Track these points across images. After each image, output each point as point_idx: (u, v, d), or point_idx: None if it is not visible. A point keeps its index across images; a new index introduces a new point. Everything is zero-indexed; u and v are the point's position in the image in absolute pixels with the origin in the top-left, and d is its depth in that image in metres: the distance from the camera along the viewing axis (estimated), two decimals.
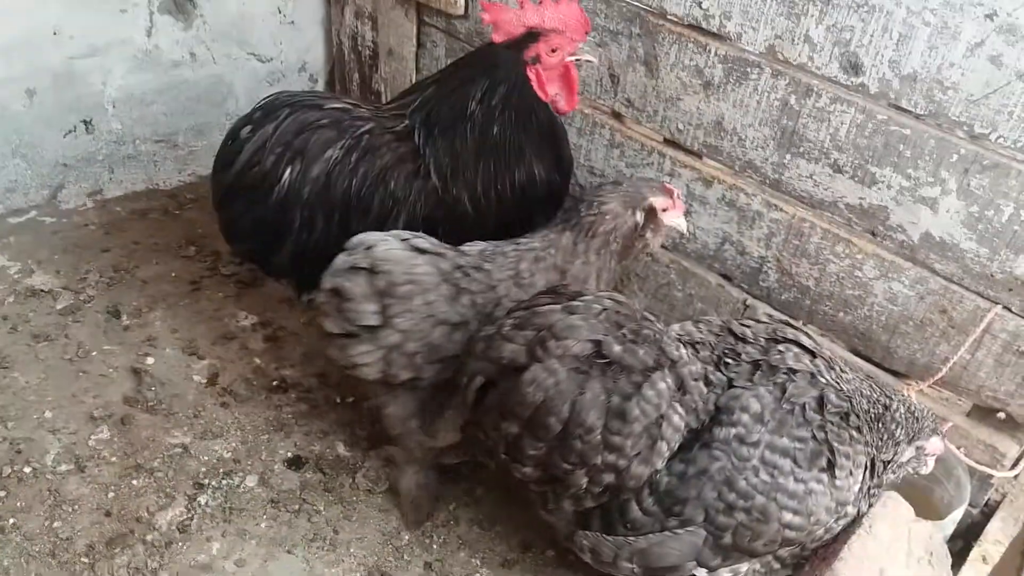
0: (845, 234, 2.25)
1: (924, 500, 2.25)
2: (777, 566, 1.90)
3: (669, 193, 2.15)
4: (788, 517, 1.74)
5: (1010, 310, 2.04)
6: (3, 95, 2.84)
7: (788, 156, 2.27)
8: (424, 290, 1.96)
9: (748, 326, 1.91)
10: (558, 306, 1.77)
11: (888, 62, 2.02)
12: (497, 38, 2.25)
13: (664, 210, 2.14)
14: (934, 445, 1.92)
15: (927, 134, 2.01)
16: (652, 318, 1.86)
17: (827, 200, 2.25)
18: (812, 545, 1.88)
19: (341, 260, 1.93)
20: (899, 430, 1.85)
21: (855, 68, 2.08)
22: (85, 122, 3.09)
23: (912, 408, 1.88)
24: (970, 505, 2.23)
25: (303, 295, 2.42)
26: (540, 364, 1.71)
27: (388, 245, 1.95)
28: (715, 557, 1.78)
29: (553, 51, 2.22)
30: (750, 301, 2.52)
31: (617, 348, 1.72)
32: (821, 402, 1.77)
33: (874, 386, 1.90)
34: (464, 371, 1.86)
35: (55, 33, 2.88)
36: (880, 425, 1.84)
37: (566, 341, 1.71)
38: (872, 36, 2.02)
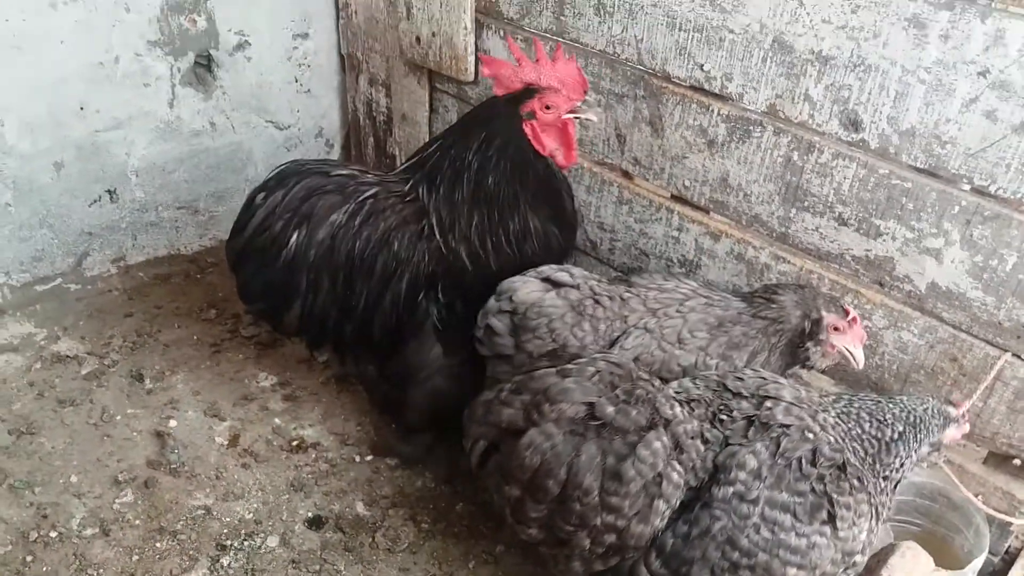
0: (853, 285, 2.29)
1: (945, 549, 2.24)
2: None
3: (845, 314, 2.11)
4: (792, 572, 1.73)
5: (1020, 357, 2.06)
6: (32, 169, 2.95)
7: (794, 210, 2.33)
8: (551, 319, 2.18)
9: (742, 379, 1.92)
10: (553, 369, 1.83)
11: (887, 118, 2.08)
12: (498, 91, 2.32)
13: (836, 329, 2.11)
14: (952, 435, 1.90)
15: (928, 187, 2.06)
16: (648, 377, 1.89)
17: (834, 252, 2.30)
18: None
19: (492, 304, 2.25)
20: (903, 447, 1.84)
21: (855, 125, 2.14)
22: (109, 192, 3.19)
23: (912, 417, 1.86)
24: (991, 553, 2.21)
25: (315, 353, 2.49)
26: (536, 428, 1.76)
27: (527, 288, 2.23)
28: None
29: (548, 108, 2.27)
30: None
31: (610, 409, 1.76)
32: (814, 456, 1.77)
33: (865, 415, 1.87)
34: (468, 435, 1.92)
35: (81, 108, 3.00)
36: (880, 461, 1.83)
37: (560, 404, 1.76)
38: (870, 94, 2.08)
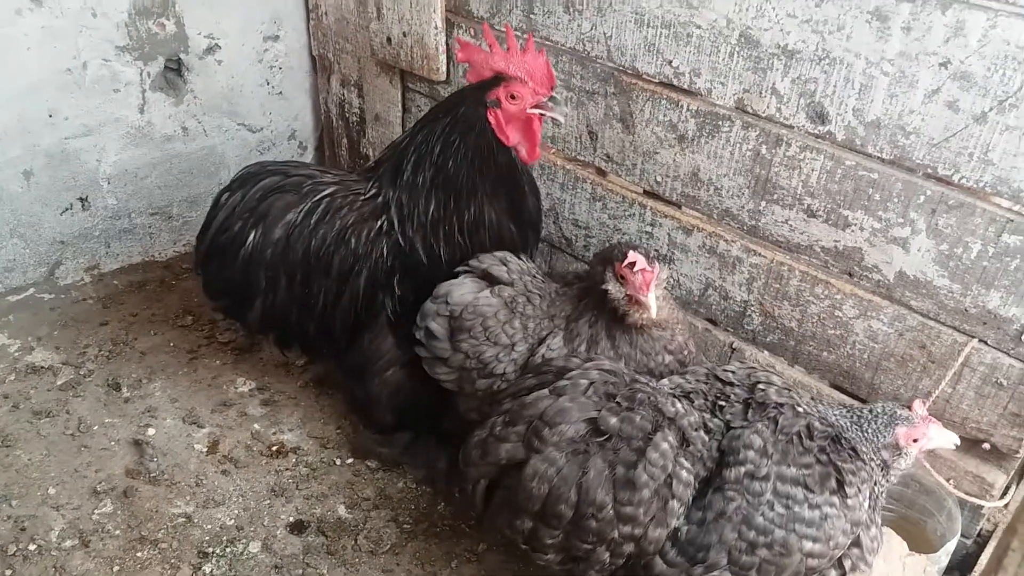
0: (823, 276, 2.32)
1: (918, 533, 2.28)
2: None
3: (624, 257, 2.06)
4: (809, 545, 1.76)
5: (986, 343, 2.10)
6: (1, 178, 2.92)
7: (763, 203, 2.35)
8: (484, 317, 2.20)
9: (731, 371, 1.96)
10: (545, 391, 1.80)
11: (852, 110, 2.10)
12: (470, 77, 2.33)
13: (621, 277, 2.08)
14: (905, 433, 1.85)
15: (894, 177, 2.09)
16: (642, 379, 1.90)
17: (803, 244, 2.32)
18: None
19: (429, 307, 2.26)
20: (860, 449, 1.86)
21: (821, 117, 2.16)
22: (81, 199, 3.16)
23: (856, 417, 1.89)
24: (963, 536, 2.26)
25: (285, 352, 2.57)
26: (538, 455, 1.74)
27: (462, 290, 2.24)
28: None
29: (513, 98, 2.25)
30: (736, 344, 2.58)
31: (614, 421, 1.76)
32: (810, 431, 1.81)
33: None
34: (467, 479, 1.89)
35: (50, 116, 2.97)
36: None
37: (560, 426, 1.74)
38: (835, 87, 2.11)
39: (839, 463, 1.80)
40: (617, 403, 1.79)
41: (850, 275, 2.27)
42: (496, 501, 1.86)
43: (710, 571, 1.77)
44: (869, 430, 1.86)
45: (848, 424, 1.87)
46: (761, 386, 1.90)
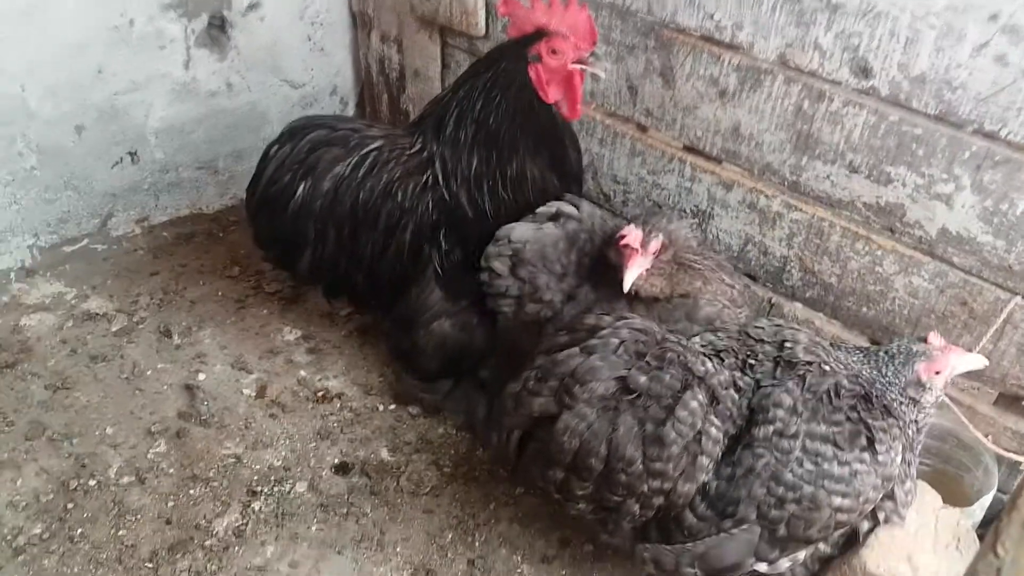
0: (864, 232, 2.31)
1: (955, 487, 2.30)
2: (828, 549, 1.94)
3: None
4: (838, 501, 1.79)
5: None
6: (55, 132, 3.00)
7: (805, 158, 2.35)
8: (544, 245, 2.28)
9: (761, 327, 1.98)
10: (576, 349, 1.83)
11: (897, 65, 2.09)
12: (511, 32, 2.33)
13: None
14: (927, 368, 1.86)
15: (939, 132, 2.08)
16: (673, 337, 1.92)
17: (845, 199, 2.32)
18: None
19: (490, 249, 2.34)
20: (884, 390, 1.87)
21: (865, 72, 2.15)
22: (131, 153, 3.24)
23: (874, 361, 1.90)
24: (1000, 491, 2.27)
25: (332, 302, 2.65)
26: (569, 411, 1.79)
27: (522, 229, 2.32)
28: (772, 550, 1.84)
29: (554, 53, 2.25)
30: (775, 299, 2.59)
31: (643, 379, 1.79)
32: (837, 389, 1.83)
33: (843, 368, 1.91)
34: (501, 428, 1.94)
35: (99, 72, 3.03)
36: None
37: (590, 384, 1.78)
38: (880, 40, 2.09)
39: (870, 421, 1.81)
40: (647, 362, 1.81)
41: (891, 231, 2.27)
42: (529, 452, 1.92)
43: (739, 525, 1.81)
44: (889, 372, 1.87)
45: (869, 371, 1.88)
46: (788, 344, 1.91)
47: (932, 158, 2.11)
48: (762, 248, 2.55)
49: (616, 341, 1.83)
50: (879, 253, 2.30)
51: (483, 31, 3.00)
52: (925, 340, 1.93)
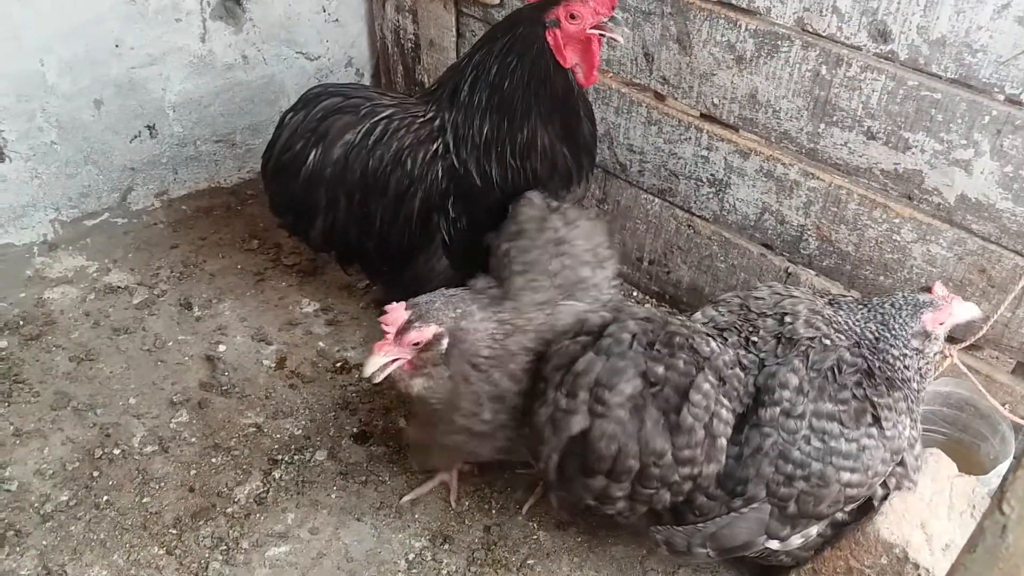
0: (882, 199, 2.29)
1: (970, 456, 2.29)
2: (843, 516, 1.94)
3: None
4: (847, 476, 1.79)
5: None
6: (74, 107, 3.03)
7: (822, 125, 2.32)
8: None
9: (761, 298, 1.96)
10: (592, 353, 1.79)
11: (916, 28, 2.05)
12: None
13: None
14: (934, 319, 1.86)
15: (958, 97, 2.05)
16: (677, 320, 1.90)
17: (862, 167, 2.30)
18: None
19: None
20: (890, 345, 1.86)
21: (884, 36, 2.12)
22: (149, 127, 3.26)
23: (878, 315, 1.88)
24: (1016, 459, 2.26)
25: (347, 270, 2.68)
26: (603, 419, 1.76)
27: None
28: (783, 527, 1.85)
29: (573, 17, 2.23)
30: (792, 269, 2.58)
31: (660, 369, 1.78)
32: (840, 365, 1.82)
33: (845, 326, 1.89)
34: (539, 457, 1.88)
35: (116, 46, 3.05)
36: (885, 364, 1.86)
37: (619, 386, 1.76)
38: (899, 3, 2.05)
39: (875, 399, 1.81)
40: (658, 351, 1.80)
41: (909, 198, 2.25)
42: (569, 471, 1.85)
43: (749, 503, 1.82)
44: (896, 324, 1.85)
45: (875, 327, 1.86)
46: (788, 319, 1.88)
47: (951, 123, 2.08)
48: (779, 217, 2.54)
49: (627, 336, 1.81)
50: (897, 221, 2.28)
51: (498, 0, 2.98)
52: (929, 290, 1.91)
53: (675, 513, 1.90)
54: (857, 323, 1.89)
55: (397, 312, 1.86)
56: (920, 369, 1.88)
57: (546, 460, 1.86)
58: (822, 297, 2.01)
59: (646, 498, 1.84)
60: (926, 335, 1.86)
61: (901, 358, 1.85)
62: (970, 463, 2.22)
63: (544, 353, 1.94)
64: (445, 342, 1.87)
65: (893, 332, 1.86)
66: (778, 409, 1.80)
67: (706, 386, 1.78)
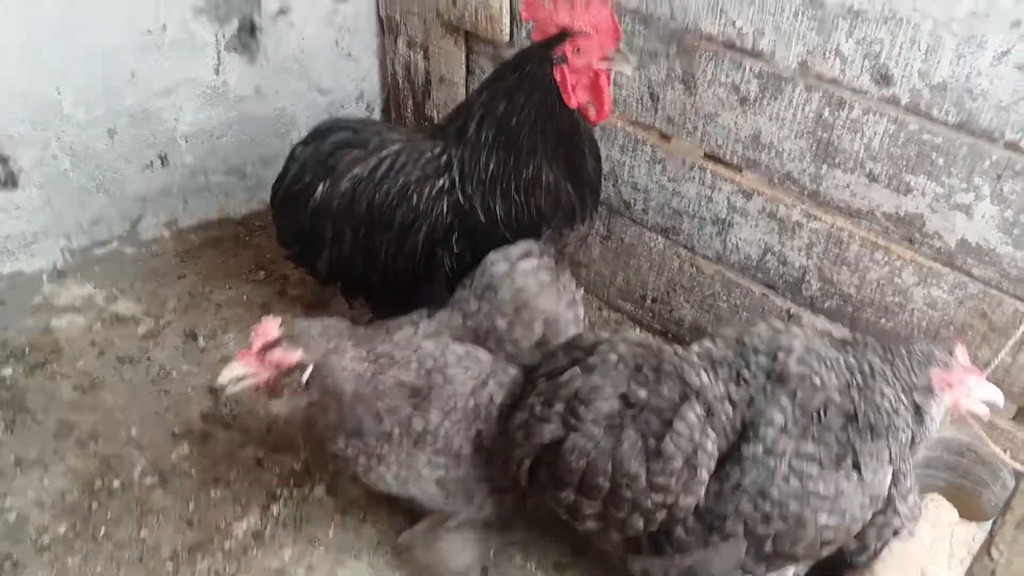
0: (883, 242, 2.29)
1: (972, 503, 2.26)
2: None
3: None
4: (824, 519, 1.78)
5: None
6: (88, 136, 3.07)
7: (825, 167, 2.33)
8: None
9: (758, 334, 1.93)
10: (577, 369, 1.82)
11: (918, 72, 2.06)
12: (535, 37, 2.32)
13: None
14: (941, 376, 1.78)
15: (959, 141, 2.05)
16: (670, 348, 1.91)
17: (864, 209, 2.30)
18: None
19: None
20: (886, 391, 1.80)
21: (886, 79, 2.13)
22: (161, 157, 3.30)
23: (892, 355, 1.83)
24: (1004, 505, 2.23)
25: (352, 303, 2.71)
26: (576, 432, 1.78)
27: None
28: (759, 566, 1.84)
29: (578, 51, 2.24)
30: (794, 310, 2.57)
31: (643, 393, 1.78)
32: (826, 407, 1.79)
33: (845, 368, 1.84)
34: (511, 460, 1.91)
35: (132, 76, 3.09)
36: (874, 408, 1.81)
37: (595, 404, 1.77)
38: (901, 48, 2.07)
39: (858, 444, 1.78)
40: (645, 375, 1.80)
41: (911, 241, 2.24)
42: (540, 478, 1.88)
43: (726, 539, 1.81)
44: (901, 367, 1.80)
45: (878, 361, 1.81)
46: (781, 355, 1.85)
47: (952, 167, 2.08)
48: (781, 258, 2.54)
49: (615, 357, 1.82)
50: (898, 264, 2.27)
51: (508, 37, 3.01)
52: (952, 352, 1.88)
53: (654, 544, 1.89)
54: (853, 362, 1.84)
55: (270, 326, 1.76)
56: (914, 431, 1.82)
57: (518, 463, 1.88)
58: (825, 336, 1.99)
59: (618, 522, 1.83)
60: (929, 391, 1.79)
61: (889, 414, 1.79)
62: (971, 509, 2.19)
63: (420, 389, 1.94)
64: (308, 372, 1.78)
65: (896, 373, 1.80)
66: (761, 447, 1.79)
67: (692, 416, 1.77)
